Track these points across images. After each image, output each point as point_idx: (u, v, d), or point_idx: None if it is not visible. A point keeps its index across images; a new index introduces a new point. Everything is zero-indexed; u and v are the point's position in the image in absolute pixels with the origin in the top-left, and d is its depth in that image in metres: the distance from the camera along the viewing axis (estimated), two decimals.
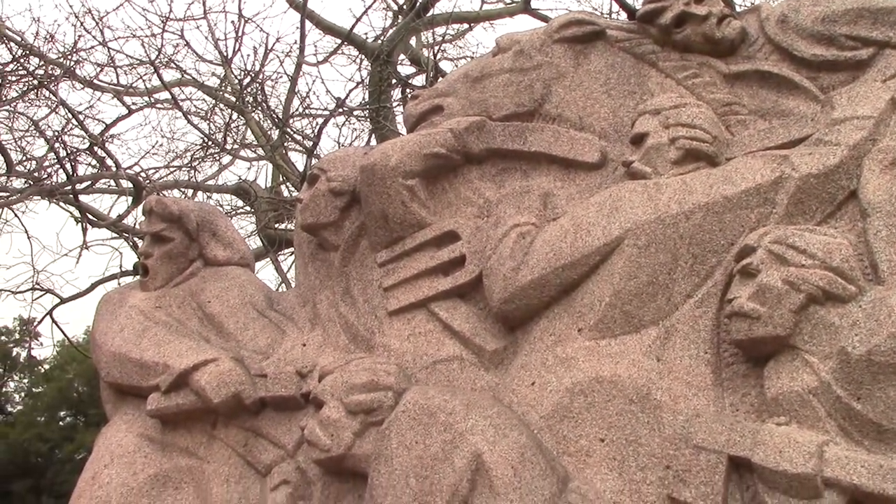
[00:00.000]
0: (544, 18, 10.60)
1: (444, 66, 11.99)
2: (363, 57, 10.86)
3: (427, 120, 4.37)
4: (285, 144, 10.86)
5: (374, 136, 10.16)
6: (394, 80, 10.48)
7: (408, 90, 10.42)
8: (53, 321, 11.01)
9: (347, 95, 10.15)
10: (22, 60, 10.38)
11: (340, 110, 10.11)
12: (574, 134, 4.03)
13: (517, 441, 3.10)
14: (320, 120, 10.46)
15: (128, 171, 10.53)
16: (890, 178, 3.23)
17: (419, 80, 11.07)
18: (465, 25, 12.23)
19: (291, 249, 11.03)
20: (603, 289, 3.39)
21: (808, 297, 2.96)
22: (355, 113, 10.68)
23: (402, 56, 11.25)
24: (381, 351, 3.94)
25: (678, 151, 3.62)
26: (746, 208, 3.33)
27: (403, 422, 3.27)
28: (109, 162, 10.62)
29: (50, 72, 10.39)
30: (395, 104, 10.77)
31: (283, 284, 10.48)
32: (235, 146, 11.33)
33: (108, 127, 11.22)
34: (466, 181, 4.16)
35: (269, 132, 11.06)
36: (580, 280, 3.48)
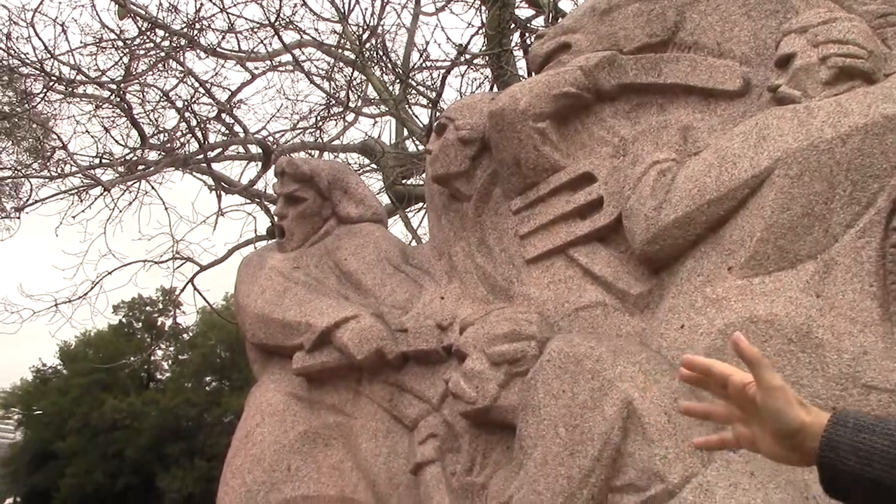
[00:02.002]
0: None
1: (564, 5, 11.76)
2: (481, 1, 10.75)
3: (554, 59, 4.29)
4: (408, 98, 10.93)
5: (496, 84, 10.08)
6: (513, 24, 10.35)
7: (527, 35, 10.26)
8: (195, 289, 11.57)
9: (468, 42, 10.11)
10: (148, 34, 10.80)
11: (462, 58, 10.07)
12: (713, 61, 3.88)
13: (669, 386, 3.06)
14: (442, 71, 10.47)
15: (256, 135, 10.86)
16: None
17: (538, 23, 10.89)
18: None
19: (421, 205, 11.15)
20: (753, 223, 3.27)
21: None
22: (476, 60, 10.62)
23: None
24: (521, 300, 3.94)
25: (830, 70, 3.42)
26: None
27: (549, 371, 3.27)
28: (238, 128, 10.98)
29: (175, 43, 10.77)
30: (516, 49, 10.65)
31: (414, 240, 10.62)
32: (358, 104, 11.47)
33: (233, 93, 11.59)
34: (599, 120, 4.07)
35: (391, 87, 11.15)
36: (728, 216, 3.36)
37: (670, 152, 3.70)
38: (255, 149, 11.22)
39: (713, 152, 3.50)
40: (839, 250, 3.13)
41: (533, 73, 4.53)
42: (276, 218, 4.98)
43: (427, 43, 10.74)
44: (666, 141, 3.79)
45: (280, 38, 10.44)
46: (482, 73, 11.10)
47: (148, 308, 39.23)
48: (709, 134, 3.75)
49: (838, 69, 3.41)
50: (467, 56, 10.10)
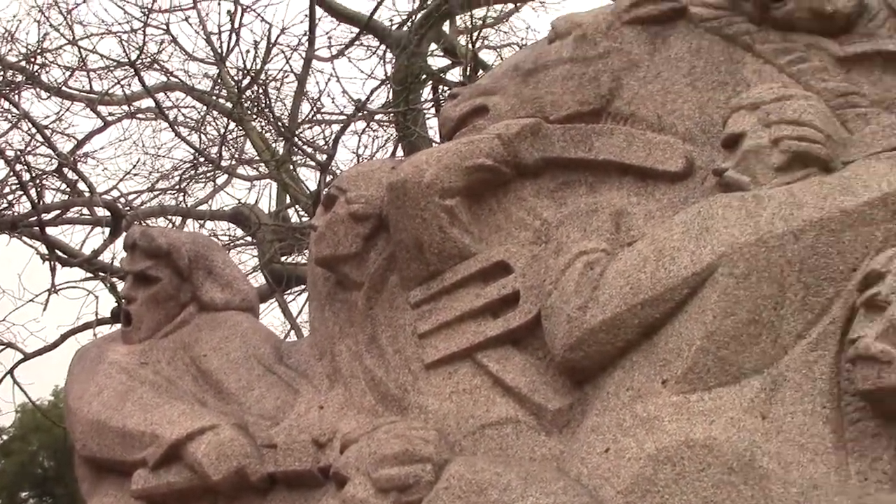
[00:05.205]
0: None
1: (486, 56, 12.08)
2: (386, 48, 10.98)
3: (468, 124, 4.40)
4: (293, 158, 10.98)
5: (401, 145, 10.23)
6: (424, 76, 10.57)
7: (441, 87, 10.48)
8: (14, 381, 11.18)
9: (369, 97, 10.26)
10: None
11: (360, 114, 10.21)
12: (652, 137, 4.04)
13: None
14: (336, 127, 10.58)
15: (104, 196, 10.72)
16: None
17: (454, 75, 11.15)
18: (511, 6, 12.30)
19: (302, 288, 11.11)
20: (693, 330, 3.37)
21: None
22: (378, 117, 10.78)
23: (433, 46, 11.34)
24: (417, 413, 3.95)
25: (783, 155, 3.61)
26: (871, 224, 3.31)
27: (446, 501, 3.28)
28: (82, 186, 10.81)
29: (10, 78, 10.64)
30: (426, 105, 10.86)
31: (293, 331, 10.56)
32: (233, 162, 11.47)
33: (79, 143, 11.48)
34: (519, 199, 4.18)
35: (273, 144, 11.20)
36: (664, 320, 3.46)
37: (600, 241, 3.81)
38: (102, 212, 11.06)
39: (649, 244, 3.61)
40: (789, 364, 3.25)
41: (443, 139, 4.63)
42: (123, 300, 4.92)
43: (320, 93, 10.84)
44: (595, 227, 3.90)
45: (141, 79, 10.44)
46: (386, 132, 11.29)
47: None
48: (645, 221, 3.88)
49: (792, 154, 3.59)
50: (366, 112, 10.25)
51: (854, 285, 3.23)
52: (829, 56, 3.91)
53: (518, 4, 12.35)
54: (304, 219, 11.01)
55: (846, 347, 3.16)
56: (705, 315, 3.36)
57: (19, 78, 10.65)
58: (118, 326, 4.97)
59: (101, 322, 11.11)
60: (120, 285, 5.12)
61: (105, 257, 10.64)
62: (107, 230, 10.54)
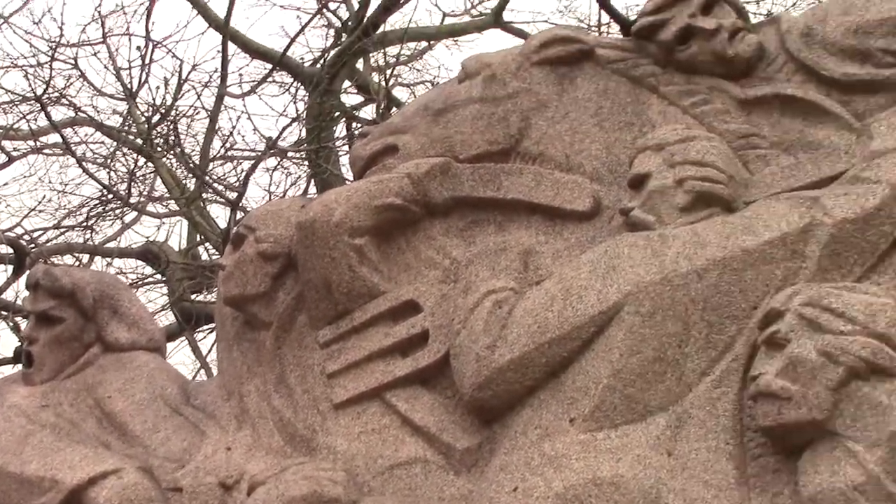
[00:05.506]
0: (520, 34, 10.77)
1: (399, 93, 12.14)
2: (299, 85, 10.97)
3: (379, 163, 4.41)
4: (204, 196, 10.88)
5: (313, 182, 10.21)
6: (337, 113, 10.58)
7: (354, 125, 10.50)
8: None
9: (280, 134, 10.22)
10: None
11: (271, 152, 10.17)
12: (560, 176, 4.10)
13: None
14: (247, 164, 10.51)
15: (7, 233, 10.49)
16: None
17: (368, 112, 11.18)
18: (424, 44, 12.39)
19: (213, 326, 10.98)
20: (599, 368, 3.42)
21: (848, 371, 3.01)
22: (290, 154, 10.75)
23: (346, 83, 11.37)
24: (326, 454, 3.93)
25: (687, 195, 3.69)
26: (771, 263, 3.40)
27: None
28: None
29: None
30: (338, 143, 10.86)
31: (203, 370, 10.42)
32: (142, 199, 11.33)
33: None
34: (428, 238, 4.20)
35: (183, 181, 11.09)
36: (571, 358, 3.51)
37: (508, 280, 3.85)
38: (5, 249, 10.83)
39: (557, 282, 3.66)
40: (693, 401, 3.32)
41: (354, 178, 4.64)
42: (24, 341, 4.82)
43: (233, 129, 10.77)
44: (504, 266, 3.93)
45: (47, 114, 10.27)
46: (298, 169, 11.25)
47: None
48: (553, 260, 3.93)
49: (696, 194, 3.68)
50: (277, 149, 10.21)
51: (755, 323, 3.32)
52: (731, 98, 4.03)
53: (431, 43, 12.44)
54: (215, 256, 10.90)
55: (748, 384, 3.24)
56: (612, 353, 3.41)
57: None
58: (20, 367, 4.85)
59: (4, 362, 10.85)
60: (23, 324, 5.01)
61: (8, 296, 10.41)
62: (10, 268, 10.32)
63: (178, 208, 11.10)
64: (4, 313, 10.69)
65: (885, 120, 3.65)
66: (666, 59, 4.16)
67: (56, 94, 11.06)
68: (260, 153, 10.39)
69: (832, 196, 3.48)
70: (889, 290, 3.25)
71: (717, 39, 4.04)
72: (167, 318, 10.89)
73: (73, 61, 11.50)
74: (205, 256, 11.77)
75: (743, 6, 4.35)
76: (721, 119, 3.98)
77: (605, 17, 10.76)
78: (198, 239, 11.74)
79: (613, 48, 4.31)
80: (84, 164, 10.86)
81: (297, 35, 11.10)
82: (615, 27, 10.14)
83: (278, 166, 10.78)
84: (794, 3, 11.17)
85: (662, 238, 3.58)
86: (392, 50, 11.41)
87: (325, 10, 11.80)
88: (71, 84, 11.81)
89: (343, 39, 11.02)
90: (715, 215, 3.64)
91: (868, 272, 3.38)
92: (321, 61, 11.00)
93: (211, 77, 11.16)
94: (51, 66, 10.99)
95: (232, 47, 10.65)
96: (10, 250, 10.19)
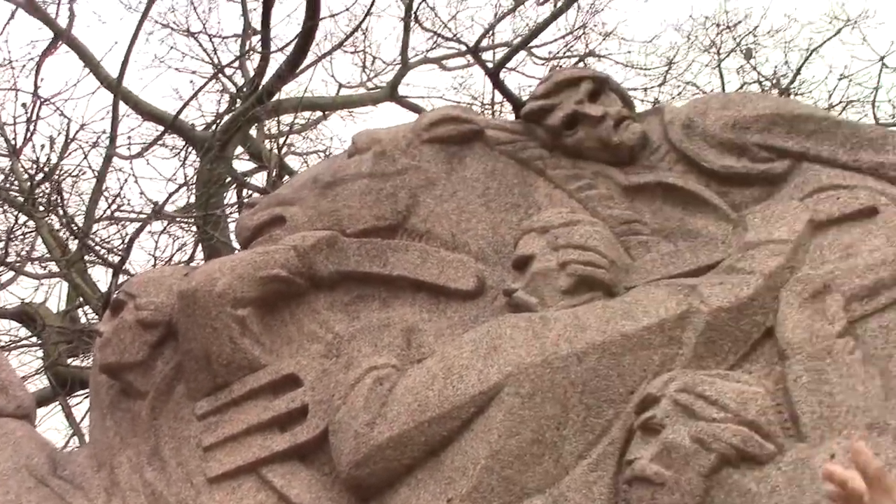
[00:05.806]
0: (415, 108, 10.94)
1: (292, 162, 12.16)
2: (190, 149, 10.90)
3: (265, 233, 4.41)
4: (85, 258, 10.67)
5: (200, 248, 10.10)
6: (227, 179, 10.52)
7: (245, 191, 10.46)
8: None
9: (168, 198, 10.12)
10: None
11: (158, 216, 10.05)
12: (445, 255, 4.14)
13: None
14: (132, 228, 10.35)
15: None
16: (810, 314, 3.43)
17: (259, 179, 11.15)
18: (319, 114, 12.45)
19: (88, 391, 10.69)
20: (478, 448, 3.43)
21: (720, 457, 3.08)
22: (179, 219, 10.63)
23: (239, 149, 11.34)
24: None
25: (569, 278, 3.76)
26: (649, 348, 3.48)
27: None
28: None
29: None
30: (228, 209, 10.79)
31: (76, 437, 10.12)
32: (19, 259, 11.04)
33: None
34: (312, 311, 4.18)
35: (65, 242, 10.85)
36: (451, 438, 3.51)
37: (391, 357, 3.86)
38: None
39: (439, 361, 3.68)
40: (570, 484, 3.34)
41: (241, 248, 4.61)
42: None
43: (120, 191, 10.58)
44: (387, 343, 3.94)
45: None
46: (185, 234, 11.11)
47: None
48: (436, 338, 3.95)
49: (578, 278, 3.75)
50: (164, 214, 10.10)
51: (632, 408, 3.37)
52: (615, 184, 4.14)
53: (326, 113, 12.50)
54: (94, 320, 10.66)
55: (624, 468, 3.28)
56: (490, 434, 3.43)
57: None
58: None
59: None
60: None
61: None
62: None
63: (57, 269, 10.85)
64: None
65: (759, 212, 3.80)
66: (553, 143, 4.26)
67: None
68: (146, 217, 10.25)
69: (709, 285, 3.58)
70: (760, 379, 3.35)
71: (603, 126, 4.16)
72: (41, 382, 10.58)
73: None
74: (84, 320, 11.50)
75: (629, 95, 4.51)
76: (605, 204, 4.08)
77: (499, 96, 11.00)
78: (77, 301, 11.48)
79: (503, 130, 4.40)
80: None
81: (190, 98, 11.08)
82: (508, 106, 10.35)
83: (164, 231, 10.64)
84: (680, 93, 11.56)
85: (544, 320, 3.62)
86: (286, 118, 11.42)
87: (220, 76, 11.80)
88: None
89: (237, 105, 11.01)
90: (596, 299, 3.71)
91: (741, 360, 3.48)
92: (214, 126, 10.96)
93: (99, 137, 11.01)
94: None
95: (123, 107, 10.53)
96: None
